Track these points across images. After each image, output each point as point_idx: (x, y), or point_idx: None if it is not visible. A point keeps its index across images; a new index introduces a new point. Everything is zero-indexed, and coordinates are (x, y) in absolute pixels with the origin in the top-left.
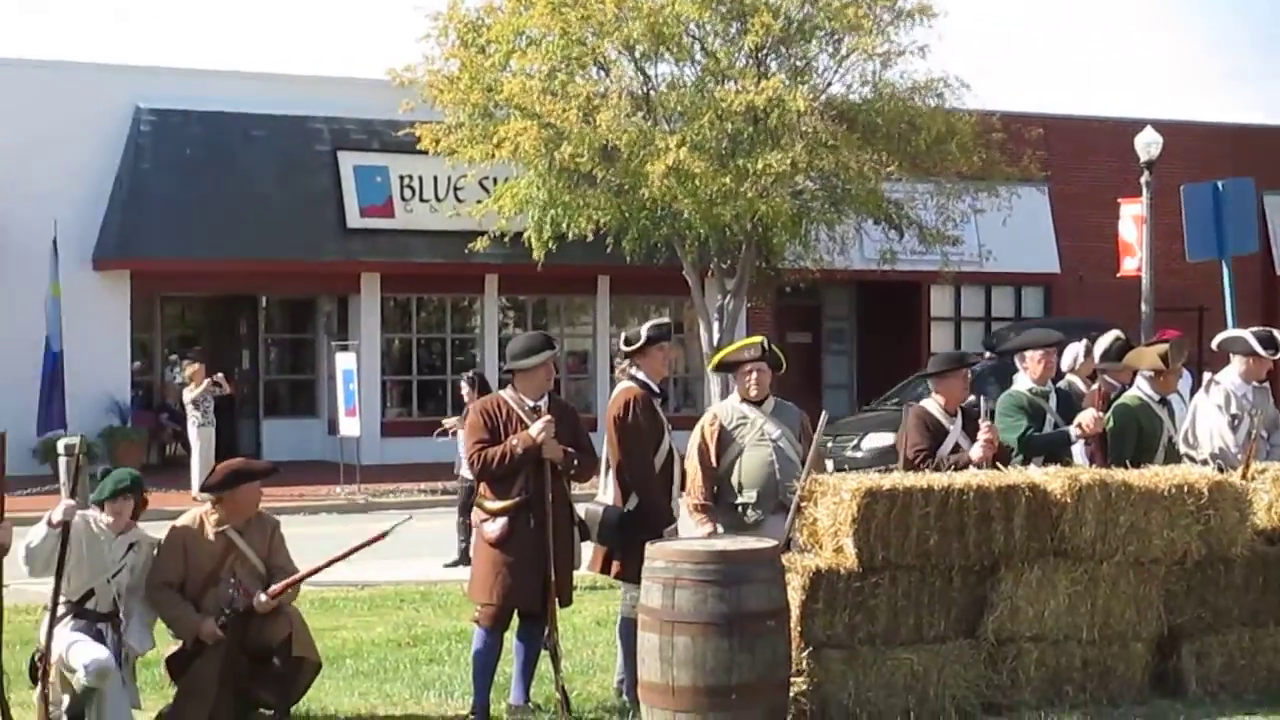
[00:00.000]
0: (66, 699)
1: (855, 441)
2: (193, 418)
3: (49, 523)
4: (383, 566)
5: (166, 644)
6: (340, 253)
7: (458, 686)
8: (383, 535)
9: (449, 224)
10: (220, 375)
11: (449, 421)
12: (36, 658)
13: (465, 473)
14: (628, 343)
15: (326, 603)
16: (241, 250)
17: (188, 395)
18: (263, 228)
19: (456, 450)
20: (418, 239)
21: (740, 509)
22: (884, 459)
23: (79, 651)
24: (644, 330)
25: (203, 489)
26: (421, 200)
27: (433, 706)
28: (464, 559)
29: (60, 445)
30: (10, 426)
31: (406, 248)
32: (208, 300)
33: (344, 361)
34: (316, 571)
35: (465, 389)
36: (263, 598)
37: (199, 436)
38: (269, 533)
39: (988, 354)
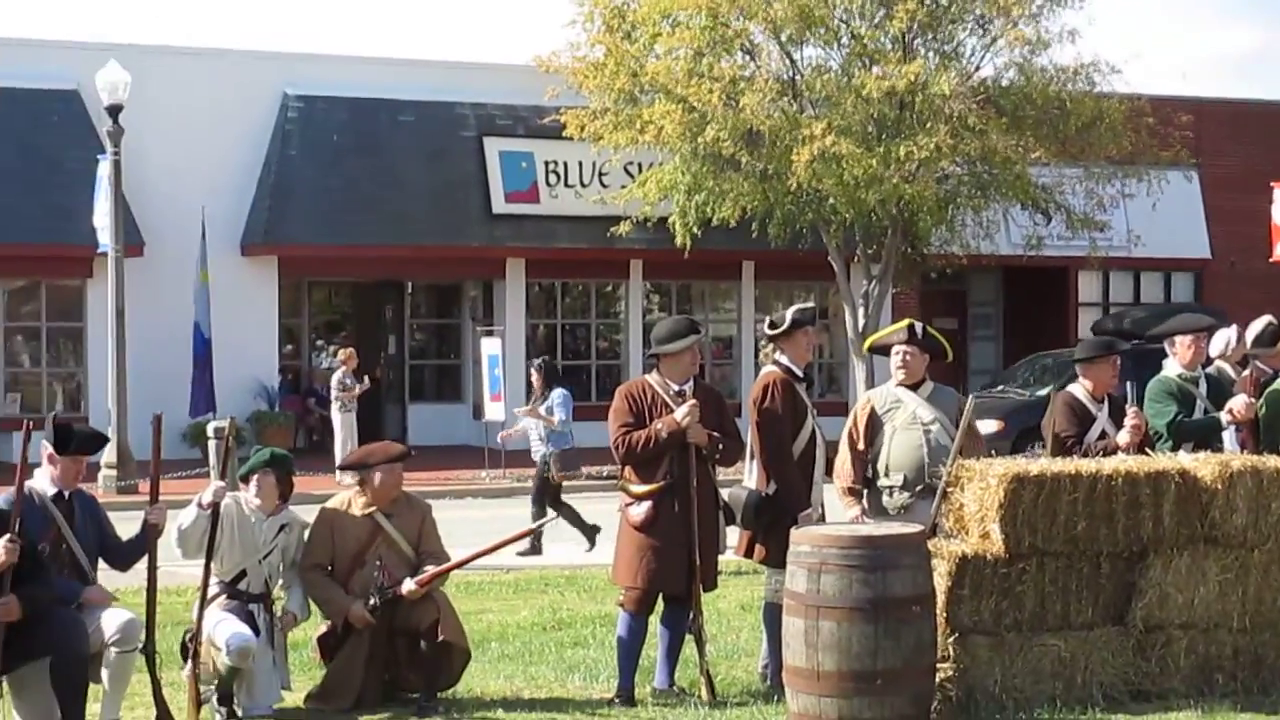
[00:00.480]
0: (217, 678)
1: None
2: (337, 402)
3: (199, 505)
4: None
5: (317, 624)
6: (485, 238)
7: (602, 670)
8: (529, 533)
9: (594, 209)
10: (367, 378)
11: (520, 410)
12: (187, 637)
13: (539, 458)
14: (772, 326)
15: (472, 586)
16: (387, 236)
17: (336, 379)
18: (409, 213)
19: (529, 437)
20: (562, 224)
21: (886, 492)
22: (990, 446)
23: (224, 630)
24: (788, 314)
25: (340, 467)
26: (566, 185)
27: (577, 690)
28: (535, 548)
29: (210, 429)
30: (161, 411)
31: (551, 233)
32: (354, 285)
33: (489, 346)
34: (465, 563)
35: (534, 376)
36: (411, 585)
37: (341, 423)
38: (420, 518)
39: (1134, 340)
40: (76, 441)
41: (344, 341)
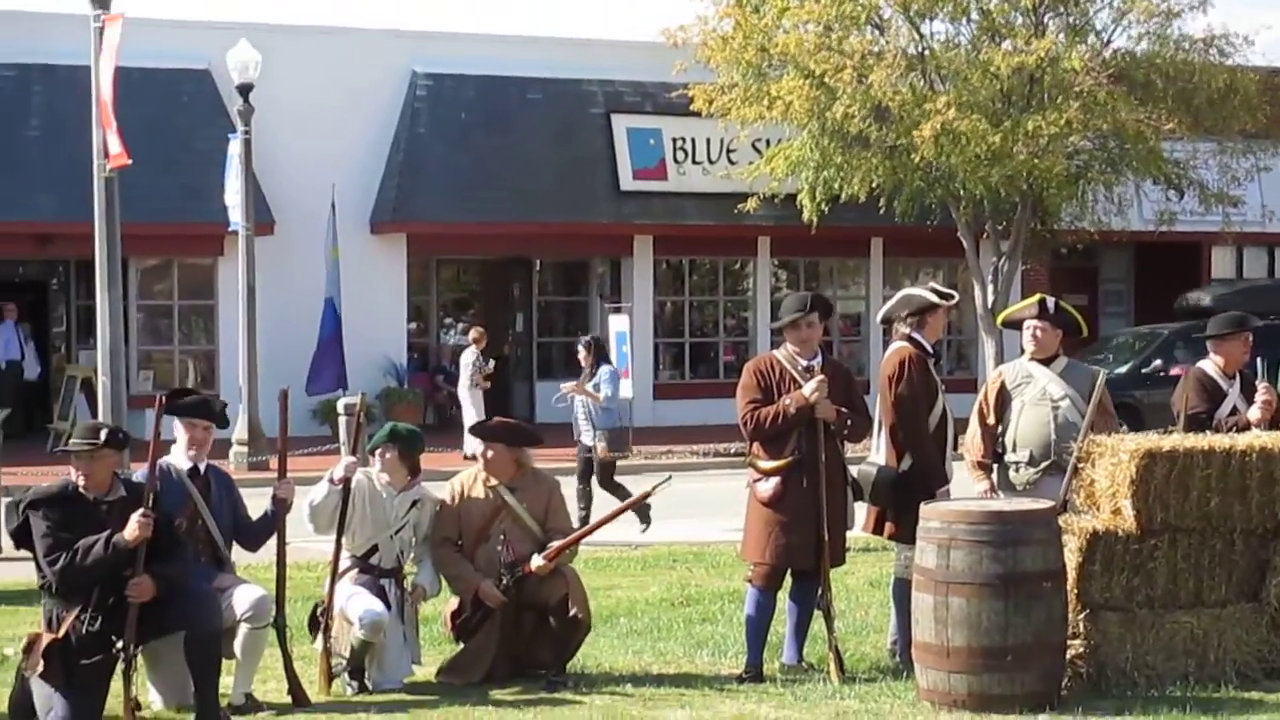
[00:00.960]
0: (348, 652)
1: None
2: (468, 380)
3: (330, 480)
4: (655, 527)
5: (448, 599)
6: (613, 215)
7: (731, 646)
8: (646, 496)
9: (721, 186)
10: (490, 368)
11: (566, 386)
12: (318, 611)
13: (585, 439)
14: (910, 303)
15: (601, 562)
16: (516, 213)
17: (467, 357)
18: (536, 191)
19: (575, 414)
20: (690, 201)
21: (1013, 467)
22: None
23: (356, 605)
24: (927, 292)
25: (471, 430)
26: (694, 162)
27: (706, 665)
28: (644, 519)
29: (340, 405)
30: (289, 387)
31: (679, 210)
32: (482, 263)
33: (617, 324)
34: (586, 534)
35: (582, 353)
36: (539, 561)
37: (471, 400)
38: (546, 494)
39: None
40: (191, 405)
41: (473, 320)
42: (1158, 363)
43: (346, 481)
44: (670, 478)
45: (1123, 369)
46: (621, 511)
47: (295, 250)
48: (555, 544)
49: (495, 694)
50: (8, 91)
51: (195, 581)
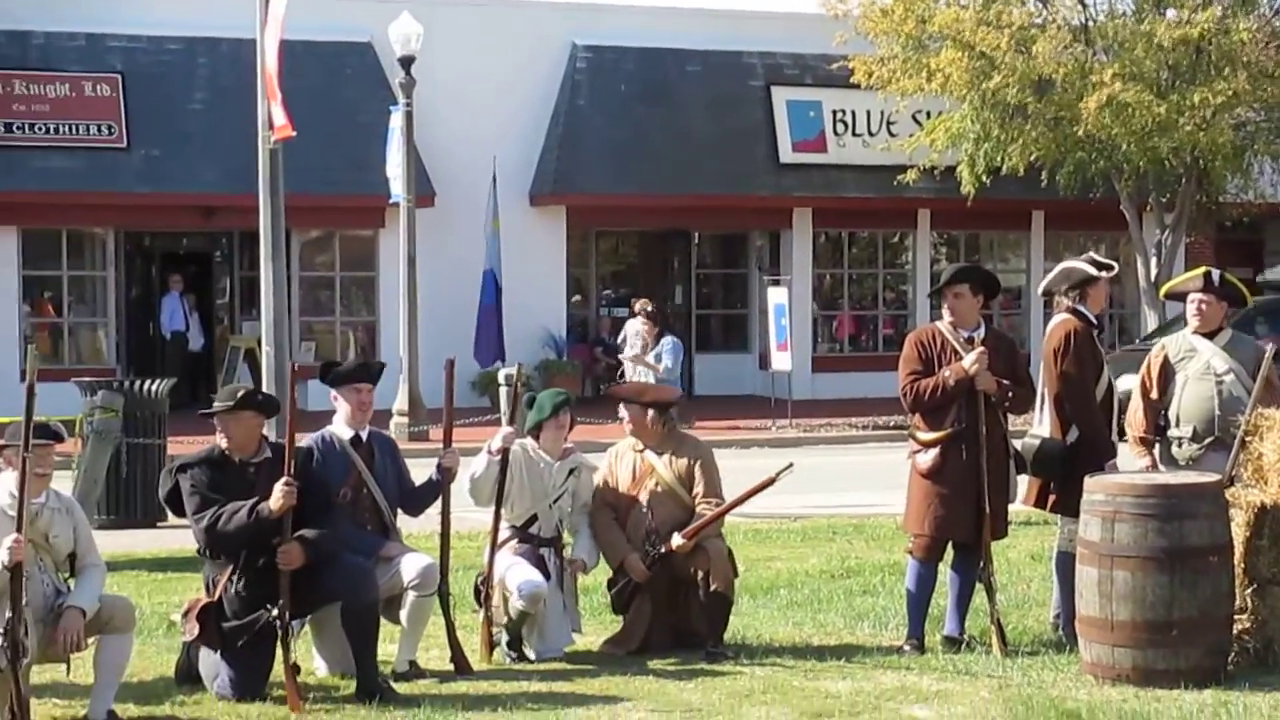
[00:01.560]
0: (508, 622)
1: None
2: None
3: (489, 451)
4: (815, 500)
5: (608, 569)
6: (773, 187)
7: (891, 618)
8: (770, 483)
9: (881, 158)
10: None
11: (626, 356)
12: (479, 581)
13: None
14: (1069, 276)
15: (760, 534)
16: (675, 186)
17: (634, 326)
18: (696, 163)
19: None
20: (850, 173)
21: (1175, 443)
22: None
23: (516, 575)
24: (1086, 264)
25: (610, 392)
26: (854, 134)
27: (867, 637)
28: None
29: (501, 375)
30: (454, 356)
31: (839, 182)
32: (641, 235)
33: (776, 296)
34: (724, 514)
35: (643, 324)
36: (679, 540)
37: (635, 371)
38: (696, 460)
39: None
40: (348, 371)
41: (632, 293)
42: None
43: (505, 452)
44: (791, 466)
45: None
46: (751, 495)
47: (455, 222)
48: (692, 525)
49: (654, 664)
50: (174, 65)
51: (351, 553)
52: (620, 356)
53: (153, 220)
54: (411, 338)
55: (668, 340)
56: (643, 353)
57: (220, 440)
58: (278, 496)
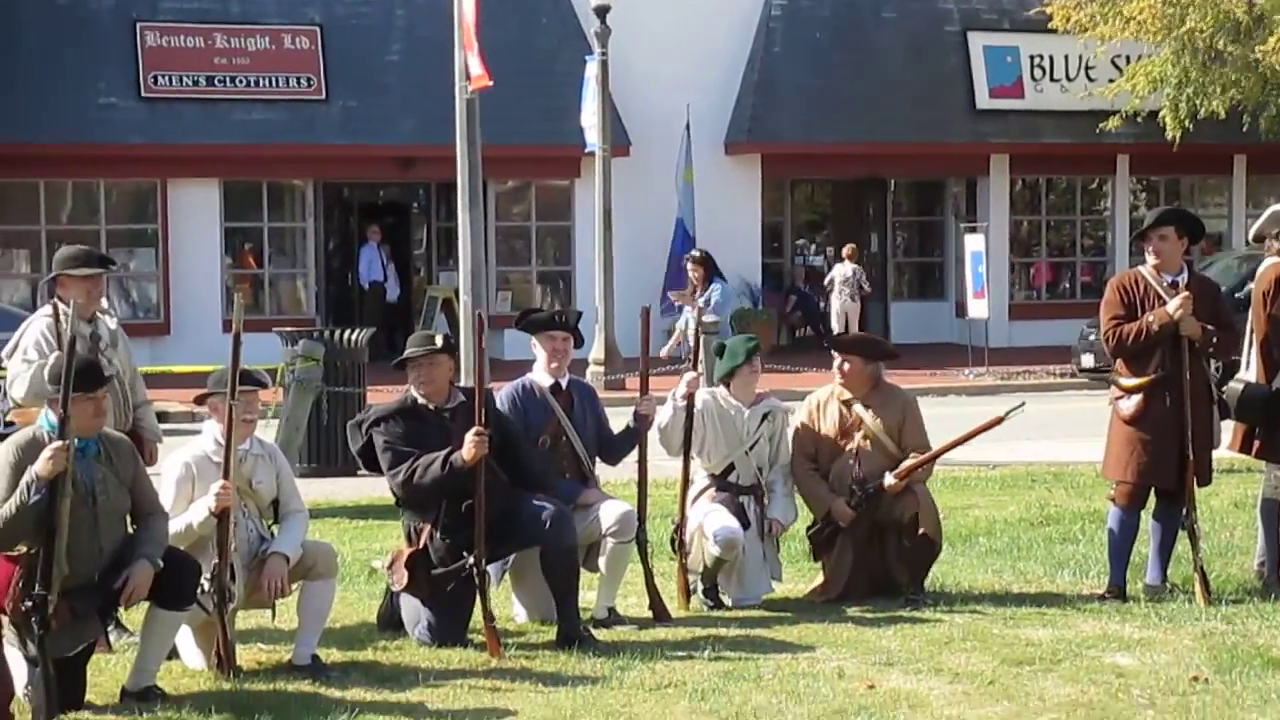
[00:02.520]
0: (704, 569)
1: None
2: (842, 295)
3: (674, 399)
4: (1013, 447)
5: (806, 517)
6: (969, 134)
7: (1092, 566)
8: (999, 420)
9: (1079, 104)
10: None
11: (675, 294)
12: (674, 529)
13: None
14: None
15: (958, 482)
16: (870, 133)
17: (842, 271)
18: (891, 110)
19: (686, 335)
20: (1047, 119)
21: None
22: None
23: (713, 522)
24: None
25: (831, 342)
26: (1052, 80)
27: (1067, 585)
28: None
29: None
30: (649, 305)
31: (1036, 129)
32: (836, 183)
33: (972, 244)
34: (937, 456)
35: (691, 269)
36: (890, 479)
37: (845, 311)
38: (901, 410)
39: None
40: (546, 318)
41: (827, 241)
42: (1249, 288)
43: (690, 399)
44: (1024, 404)
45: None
46: (975, 434)
47: (650, 171)
48: (907, 463)
49: (853, 612)
50: (372, 17)
51: (549, 498)
52: (830, 302)
53: (351, 172)
54: (607, 287)
55: (716, 286)
56: (692, 298)
57: (413, 389)
58: (469, 446)
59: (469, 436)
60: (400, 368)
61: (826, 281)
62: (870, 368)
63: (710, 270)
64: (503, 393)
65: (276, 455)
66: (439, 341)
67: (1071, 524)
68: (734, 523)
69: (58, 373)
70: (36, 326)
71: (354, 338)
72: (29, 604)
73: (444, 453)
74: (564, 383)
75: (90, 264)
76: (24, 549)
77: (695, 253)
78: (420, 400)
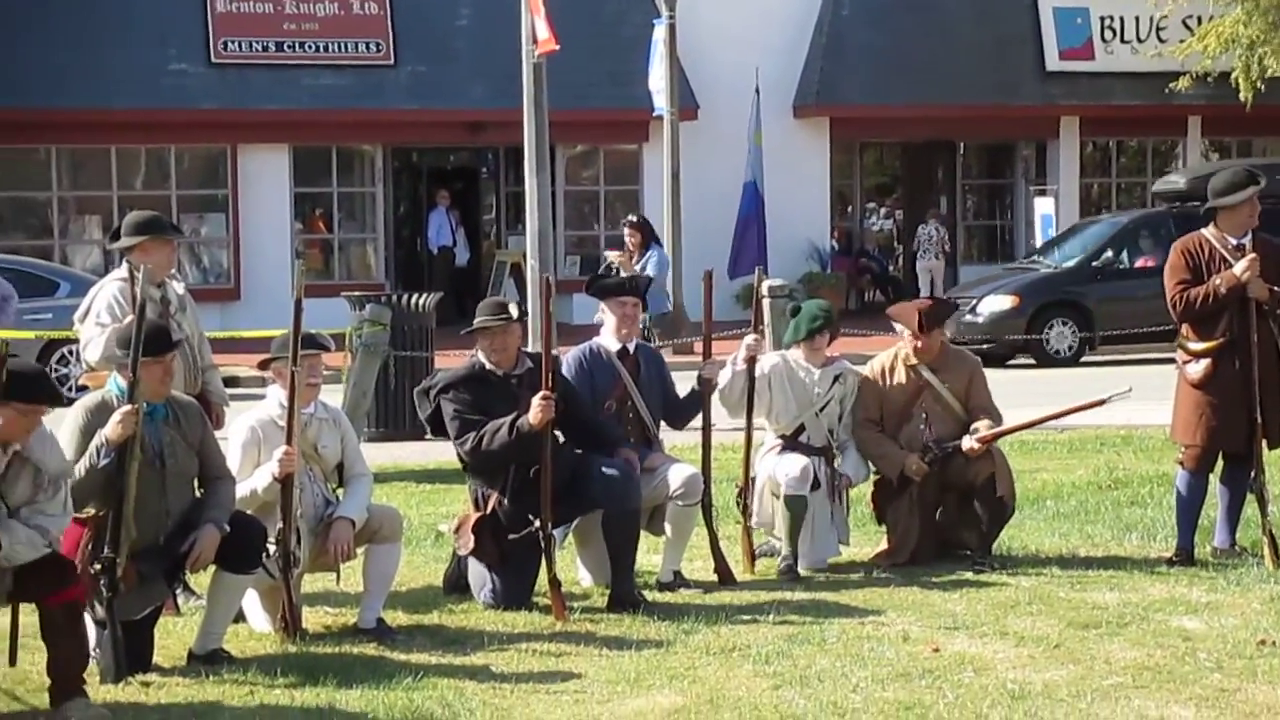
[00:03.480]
0: (772, 531)
1: (973, 305)
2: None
3: (734, 362)
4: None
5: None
6: (1039, 96)
7: (1160, 529)
8: (1100, 403)
9: (1150, 65)
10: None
11: (612, 255)
12: (740, 491)
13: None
14: None
15: (1026, 445)
16: (939, 96)
17: (927, 231)
18: (960, 73)
19: None
20: (1118, 81)
21: None
22: (1001, 325)
23: (784, 466)
24: None
25: (888, 312)
26: (1122, 41)
27: (1134, 548)
28: None
29: (764, 287)
30: (712, 269)
31: (1107, 90)
32: (905, 146)
33: (1042, 206)
34: (1027, 426)
35: (629, 234)
36: (970, 442)
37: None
38: (968, 374)
39: None
40: (617, 284)
41: (895, 205)
42: (1108, 255)
43: (750, 361)
44: (1130, 389)
45: (1070, 263)
46: (1074, 411)
47: (719, 135)
48: (990, 431)
49: (919, 575)
50: None
51: (614, 461)
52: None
53: (420, 137)
54: (674, 251)
55: (653, 253)
56: (630, 263)
57: (480, 355)
58: (536, 410)
59: (536, 400)
60: (469, 335)
61: (915, 243)
62: (937, 332)
63: (648, 236)
64: (569, 356)
65: (341, 419)
66: (513, 311)
67: (1140, 488)
68: (804, 460)
69: (127, 337)
70: (108, 290)
71: (422, 302)
72: (98, 566)
73: (510, 418)
74: (631, 347)
75: (158, 230)
76: (92, 512)
77: (633, 218)
78: (488, 366)
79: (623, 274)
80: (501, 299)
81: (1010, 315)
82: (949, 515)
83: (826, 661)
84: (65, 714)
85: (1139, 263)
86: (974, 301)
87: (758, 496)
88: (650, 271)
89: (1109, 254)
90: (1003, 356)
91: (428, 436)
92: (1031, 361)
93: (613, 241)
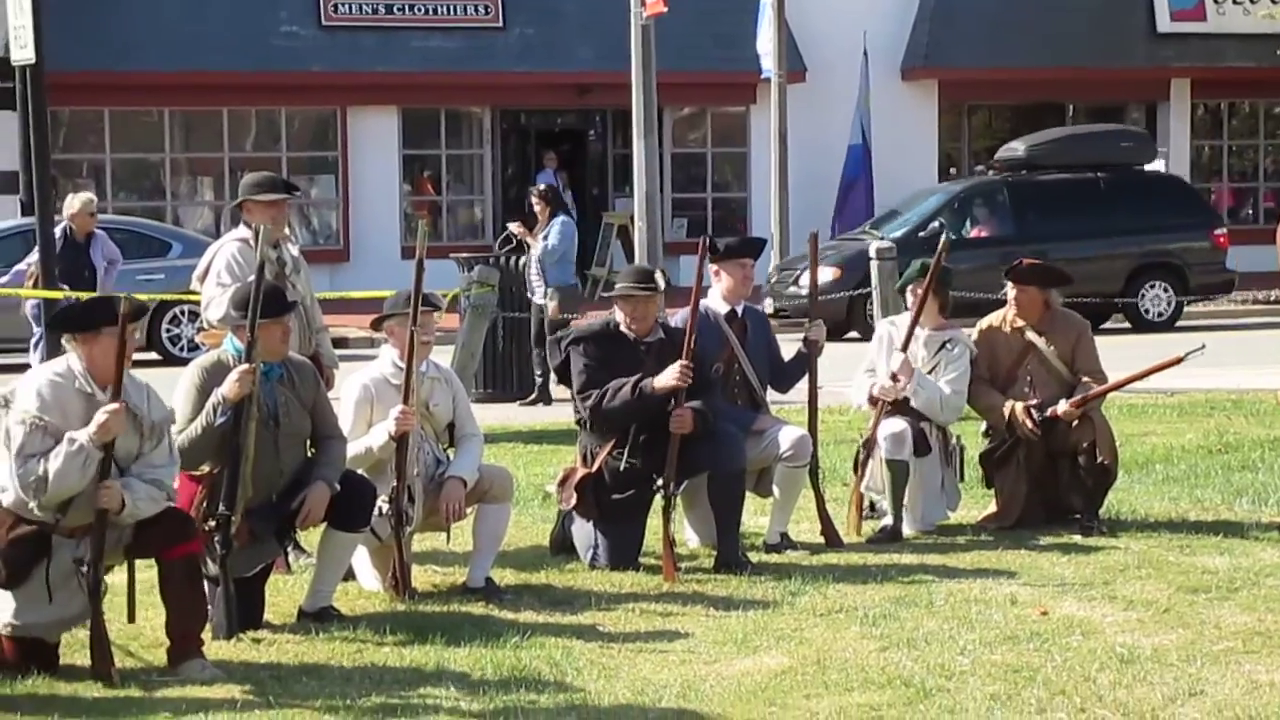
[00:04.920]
0: (887, 494)
1: (796, 276)
2: None
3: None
4: (1192, 375)
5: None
6: (1149, 59)
7: (1271, 494)
8: (1177, 360)
9: (1263, 26)
10: None
11: (514, 225)
12: (862, 445)
13: (536, 298)
14: None
15: (1135, 409)
16: (1049, 58)
17: None
18: (1070, 34)
19: (529, 271)
20: (1230, 43)
21: None
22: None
23: (886, 428)
24: None
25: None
26: (1234, 2)
27: (1245, 513)
28: (543, 396)
29: (872, 249)
30: (817, 230)
31: (1219, 52)
32: (1014, 109)
33: (1151, 169)
34: (1112, 389)
35: (535, 202)
36: (1065, 406)
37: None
38: (1075, 336)
39: None
40: (736, 246)
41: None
42: (935, 225)
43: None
44: (1204, 346)
45: (898, 233)
46: (1152, 372)
47: (826, 97)
48: (1083, 394)
49: (1028, 539)
50: None
51: (721, 423)
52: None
53: (528, 99)
54: (782, 214)
55: (556, 222)
56: (536, 232)
57: (620, 319)
58: (672, 375)
59: (675, 367)
60: (606, 295)
61: None
62: (1044, 295)
63: (554, 205)
64: (677, 318)
65: (452, 379)
66: (659, 282)
67: (1250, 451)
68: (905, 425)
69: (243, 298)
70: (227, 250)
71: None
72: (212, 523)
73: (635, 378)
74: (739, 310)
75: (275, 190)
76: (207, 469)
77: (539, 186)
78: (623, 329)
79: (526, 244)
80: (647, 268)
81: (832, 287)
82: (1056, 479)
83: (934, 624)
84: (182, 674)
85: (973, 233)
86: (797, 272)
87: (873, 459)
88: (552, 241)
89: (935, 225)
90: (829, 330)
91: (533, 397)
92: (855, 336)
93: (719, 203)
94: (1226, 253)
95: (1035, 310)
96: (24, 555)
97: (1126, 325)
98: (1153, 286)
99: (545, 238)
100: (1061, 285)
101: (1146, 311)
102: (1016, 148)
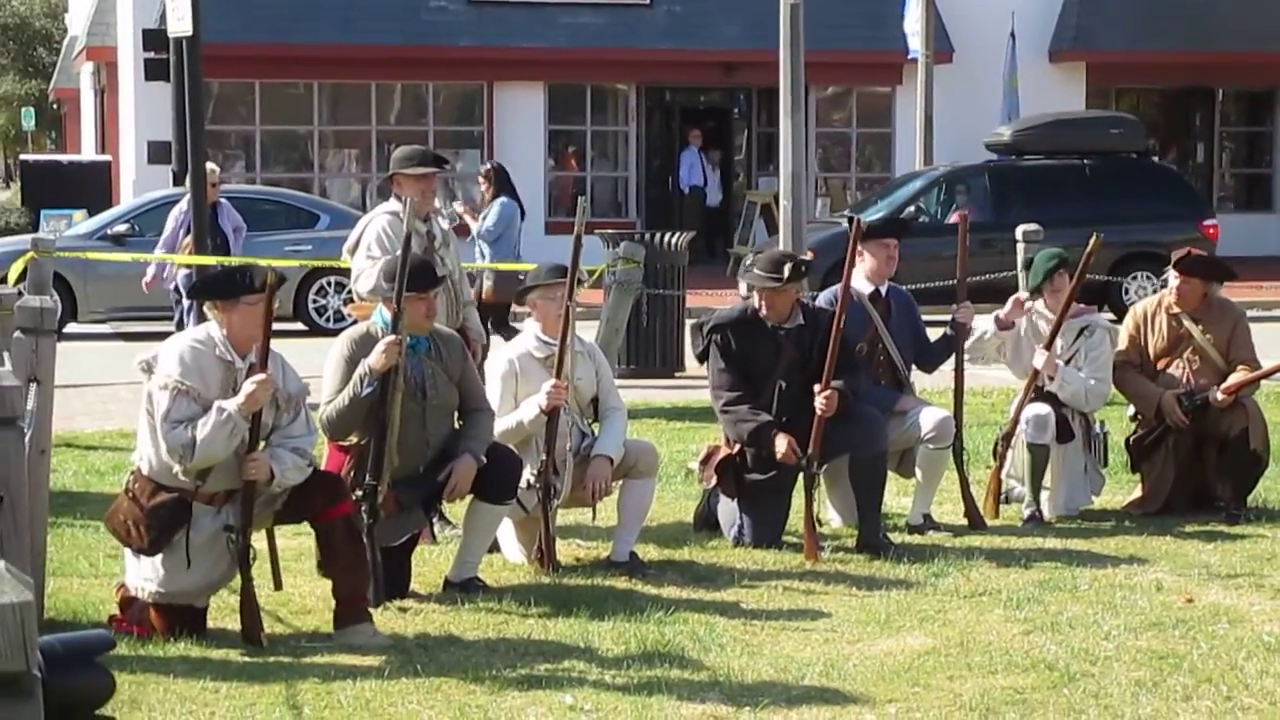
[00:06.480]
0: (1025, 476)
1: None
2: None
3: (995, 319)
4: None
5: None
6: None
7: None
8: None
9: None
10: None
11: (458, 205)
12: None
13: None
14: None
15: None
16: (1198, 42)
17: None
18: (1220, 18)
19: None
20: None
21: None
22: None
23: (1028, 413)
24: None
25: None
26: None
27: None
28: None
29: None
30: (965, 212)
31: None
32: (1162, 93)
33: None
34: (1268, 375)
35: (481, 182)
36: (1217, 393)
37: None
38: (1231, 325)
39: None
40: (883, 225)
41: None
42: (910, 210)
43: (1008, 325)
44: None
45: (876, 217)
46: None
47: (973, 79)
48: (1235, 378)
49: (1174, 525)
50: None
51: (862, 404)
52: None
53: (674, 76)
54: None
55: (499, 202)
56: (476, 211)
57: (756, 301)
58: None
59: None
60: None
61: None
62: (1206, 286)
63: (499, 186)
64: (821, 298)
65: (596, 353)
66: (786, 271)
67: None
68: (1047, 410)
69: (393, 270)
70: (378, 223)
71: (674, 241)
72: (359, 493)
73: (761, 423)
74: (883, 290)
75: (426, 163)
76: (355, 440)
77: (486, 165)
78: (761, 314)
79: (468, 223)
80: (784, 255)
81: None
82: (1204, 466)
83: (1078, 608)
84: (349, 639)
85: (952, 218)
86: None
87: (1013, 446)
88: (489, 223)
89: (912, 209)
90: None
91: (679, 374)
92: None
93: (863, 184)
94: (1215, 244)
95: (1195, 300)
96: (166, 522)
97: (1110, 316)
98: (1135, 278)
99: (485, 218)
100: (1226, 280)
101: (1131, 303)
102: (1003, 132)
